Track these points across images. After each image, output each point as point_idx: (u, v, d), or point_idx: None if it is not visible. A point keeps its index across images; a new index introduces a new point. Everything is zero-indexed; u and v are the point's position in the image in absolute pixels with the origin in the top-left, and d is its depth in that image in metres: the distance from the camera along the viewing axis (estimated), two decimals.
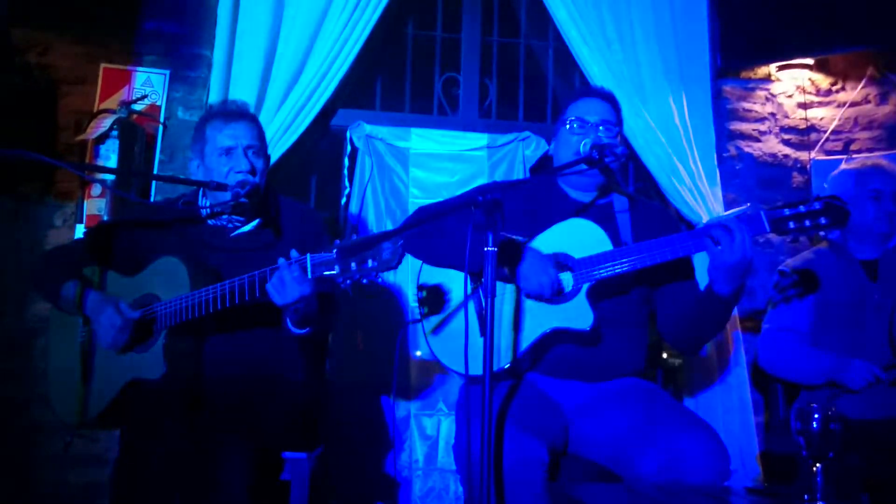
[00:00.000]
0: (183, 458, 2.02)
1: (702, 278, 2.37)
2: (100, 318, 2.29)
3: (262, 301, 2.09)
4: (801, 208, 2.05)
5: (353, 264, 1.92)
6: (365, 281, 1.94)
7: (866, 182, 2.80)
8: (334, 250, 1.96)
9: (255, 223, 2.43)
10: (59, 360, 2.48)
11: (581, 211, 2.38)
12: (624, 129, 3.40)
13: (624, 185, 3.77)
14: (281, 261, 2.05)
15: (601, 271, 2.19)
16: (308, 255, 2.02)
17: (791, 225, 2.05)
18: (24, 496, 3.08)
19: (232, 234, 2.44)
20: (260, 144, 2.44)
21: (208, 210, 2.42)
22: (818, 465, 1.54)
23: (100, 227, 2.62)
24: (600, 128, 2.35)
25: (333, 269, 1.96)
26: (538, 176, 2.37)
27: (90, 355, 2.39)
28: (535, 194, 2.41)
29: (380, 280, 1.93)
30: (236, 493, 1.98)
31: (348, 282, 1.96)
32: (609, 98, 2.45)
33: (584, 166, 2.23)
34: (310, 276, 2.02)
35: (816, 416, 1.52)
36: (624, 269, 2.17)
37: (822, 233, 2.81)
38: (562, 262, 2.24)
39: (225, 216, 2.41)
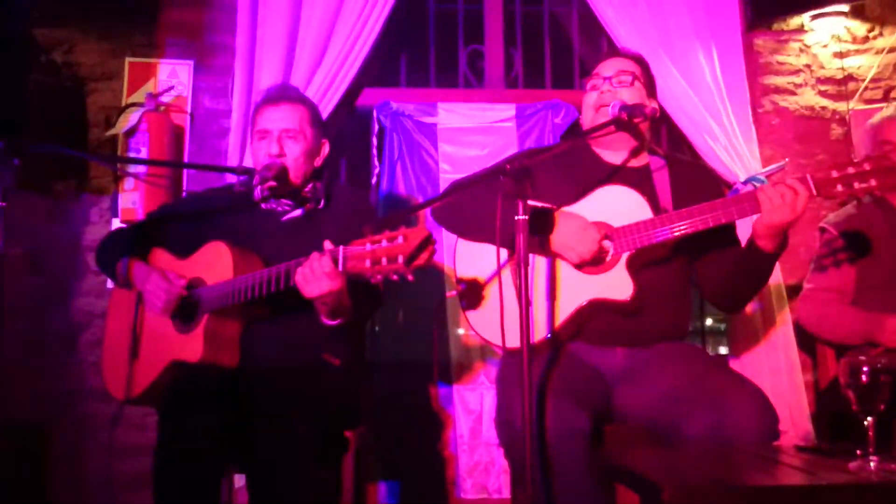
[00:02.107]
0: (223, 442, 2.03)
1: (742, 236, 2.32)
2: (147, 285, 2.36)
3: (293, 291, 2.08)
4: (850, 170, 1.97)
5: (384, 259, 1.86)
6: (395, 277, 1.87)
7: (878, 135, 2.71)
8: (367, 243, 1.90)
9: (303, 209, 2.44)
10: (113, 337, 2.57)
11: (616, 174, 2.31)
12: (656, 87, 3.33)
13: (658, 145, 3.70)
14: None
15: (642, 239, 2.13)
16: (340, 248, 1.97)
17: (839, 188, 1.98)
18: (76, 486, 3.15)
19: (282, 219, 2.46)
20: (299, 128, 2.43)
21: (261, 194, 2.44)
22: (869, 418, 1.50)
23: (159, 211, 2.69)
24: (614, 80, 2.29)
25: (365, 263, 1.90)
26: (567, 141, 2.33)
27: (140, 334, 2.46)
28: (567, 160, 2.36)
29: (410, 277, 1.87)
30: (300, 477, 1.99)
31: (379, 276, 1.89)
32: (629, 54, 2.40)
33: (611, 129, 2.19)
34: (341, 269, 1.98)
35: (865, 368, 1.48)
36: (667, 236, 2.11)
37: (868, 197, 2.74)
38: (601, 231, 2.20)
39: (273, 200, 2.42)
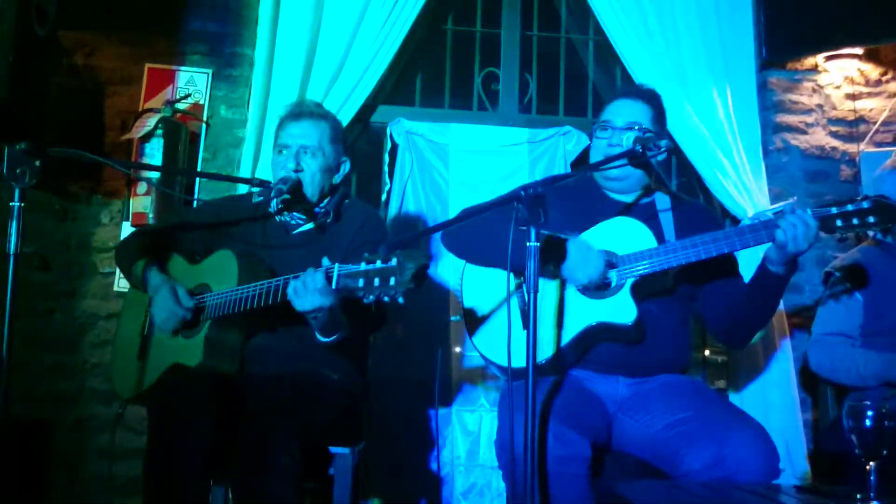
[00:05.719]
0: (213, 451, 2.03)
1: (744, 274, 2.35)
2: (156, 298, 2.37)
3: (287, 304, 2.10)
4: (849, 207, 2.05)
5: (376, 280, 1.88)
6: (386, 299, 1.87)
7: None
8: (361, 262, 1.92)
9: (313, 223, 2.47)
10: (124, 336, 2.59)
11: (623, 210, 2.36)
12: (667, 123, 3.35)
13: (668, 181, 3.72)
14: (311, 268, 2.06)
15: (646, 266, 2.17)
16: (336, 265, 2.00)
17: (839, 223, 2.05)
18: (73, 488, 3.15)
19: (293, 233, 2.48)
20: (318, 144, 2.45)
21: (276, 206, 2.46)
22: (872, 463, 1.50)
23: (178, 216, 2.75)
24: (626, 133, 2.26)
25: (358, 283, 1.91)
26: (579, 171, 2.35)
27: (149, 335, 2.48)
28: (575, 194, 2.39)
29: (400, 300, 1.87)
30: (283, 488, 1.99)
31: (371, 297, 1.90)
32: (644, 95, 2.37)
33: (624, 161, 2.21)
34: (334, 286, 2.00)
35: (869, 413, 1.48)
36: (670, 263, 2.15)
37: (871, 232, 2.75)
38: (605, 258, 2.22)
39: (287, 213, 2.45)
